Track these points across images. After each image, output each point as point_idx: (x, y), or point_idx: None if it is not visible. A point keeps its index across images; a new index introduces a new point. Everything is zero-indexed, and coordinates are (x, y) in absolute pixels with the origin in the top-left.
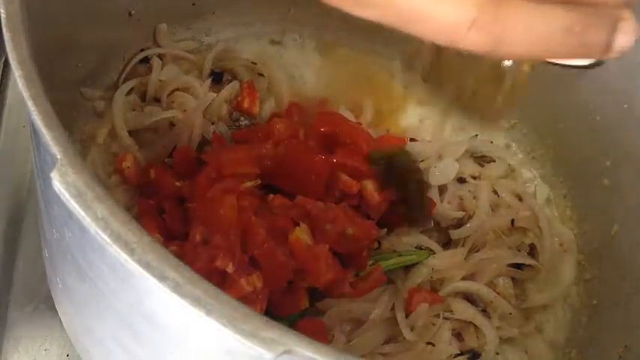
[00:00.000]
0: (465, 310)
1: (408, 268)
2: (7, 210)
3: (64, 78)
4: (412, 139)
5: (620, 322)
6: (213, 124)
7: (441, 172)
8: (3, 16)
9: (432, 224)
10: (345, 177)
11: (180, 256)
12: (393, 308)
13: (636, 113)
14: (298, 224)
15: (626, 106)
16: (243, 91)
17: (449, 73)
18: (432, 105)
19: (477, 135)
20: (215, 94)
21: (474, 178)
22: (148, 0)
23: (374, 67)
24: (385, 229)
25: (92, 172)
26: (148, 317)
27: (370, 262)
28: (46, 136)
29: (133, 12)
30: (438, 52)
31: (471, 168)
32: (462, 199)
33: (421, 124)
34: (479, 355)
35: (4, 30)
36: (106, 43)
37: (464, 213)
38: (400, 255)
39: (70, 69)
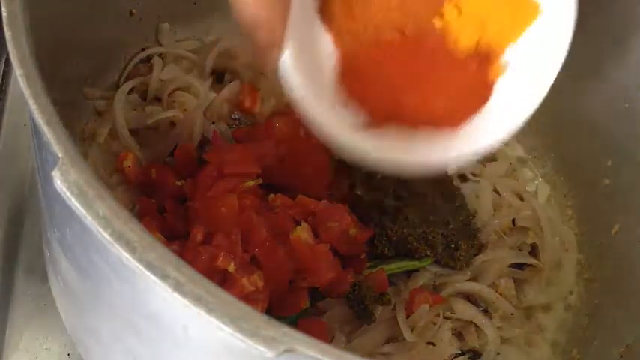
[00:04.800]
0: (465, 310)
1: (410, 271)
2: (9, 209)
3: (65, 77)
4: None
5: (620, 321)
6: (213, 123)
7: None
8: (4, 15)
9: None
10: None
11: (182, 255)
12: (394, 308)
13: (636, 113)
14: (299, 223)
15: (626, 105)
16: (244, 90)
17: None
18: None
19: None
20: (215, 94)
21: (475, 176)
22: None
23: None
24: None
25: (93, 171)
26: (149, 316)
27: (371, 264)
28: (48, 135)
29: (134, 11)
30: None
31: (471, 165)
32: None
33: None
34: (479, 354)
35: (6, 29)
36: (107, 42)
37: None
38: (402, 259)
39: (71, 68)
